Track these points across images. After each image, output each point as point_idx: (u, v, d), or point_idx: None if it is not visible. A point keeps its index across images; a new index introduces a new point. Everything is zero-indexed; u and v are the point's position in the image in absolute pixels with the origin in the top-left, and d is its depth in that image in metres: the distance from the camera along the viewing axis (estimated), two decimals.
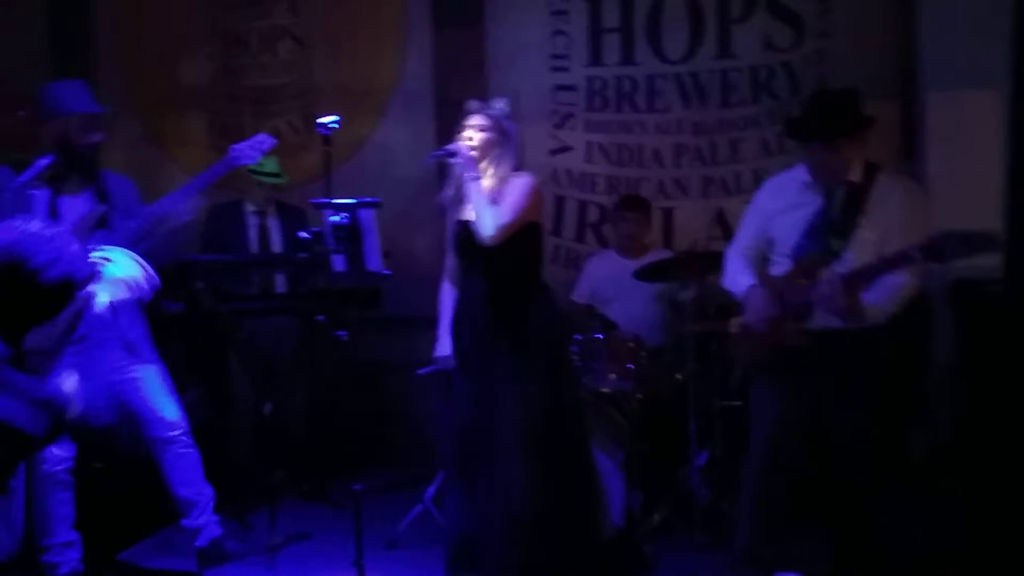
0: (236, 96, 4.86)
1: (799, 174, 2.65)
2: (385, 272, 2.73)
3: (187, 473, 2.98)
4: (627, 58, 4.43)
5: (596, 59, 4.47)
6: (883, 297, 2.45)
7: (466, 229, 2.79)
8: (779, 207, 2.67)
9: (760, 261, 2.81)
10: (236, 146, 2.99)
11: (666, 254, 4.02)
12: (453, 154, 2.77)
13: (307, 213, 4.19)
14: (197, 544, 3.01)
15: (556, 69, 4.51)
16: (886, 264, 2.39)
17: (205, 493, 3.03)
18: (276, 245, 4.13)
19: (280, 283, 4.11)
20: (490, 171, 2.79)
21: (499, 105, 2.87)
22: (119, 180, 3.06)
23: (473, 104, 2.87)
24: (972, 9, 3.75)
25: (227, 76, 4.86)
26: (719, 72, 4.33)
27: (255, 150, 2.97)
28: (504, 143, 2.81)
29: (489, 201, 2.72)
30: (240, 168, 3.29)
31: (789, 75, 4.25)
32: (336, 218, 2.57)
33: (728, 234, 4.25)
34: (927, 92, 3.91)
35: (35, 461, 2.78)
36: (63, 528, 2.87)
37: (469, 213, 2.78)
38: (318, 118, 2.88)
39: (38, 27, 4.87)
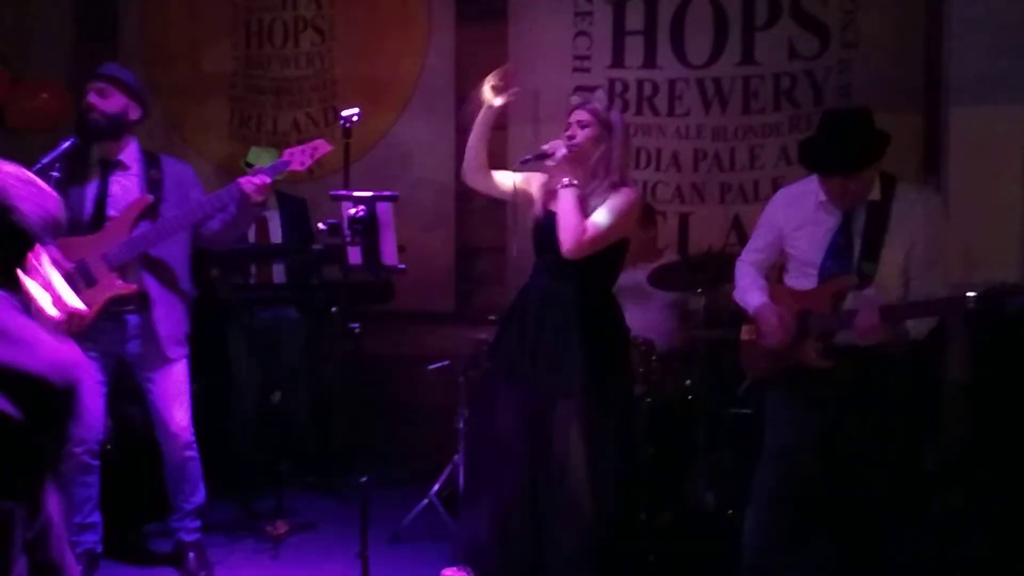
0: (257, 86, 4.88)
1: (814, 189, 2.59)
2: (400, 267, 2.70)
3: (184, 480, 2.99)
4: (649, 61, 4.42)
5: (618, 61, 4.46)
6: (924, 320, 2.45)
7: (551, 223, 2.61)
8: (794, 223, 2.62)
9: (771, 271, 2.79)
10: (290, 150, 2.90)
11: (677, 259, 4.00)
12: (547, 155, 2.59)
13: (308, 203, 4.21)
14: (164, 547, 3.04)
15: (578, 70, 4.50)
16: (934, 307, 2.38)
17: (194, 501, 3.02)
18: (274, 236, 4.12)
19: (278, 273, 4.10)
20: (594, 172, 2.60)
21: (599, 96, 2.69)
22: (175, 165, 3.01)
23: (575, 97, 2.70)
24: (1000, 23, 3.71)
25: (249, 66, 4.89)
26: (741, 78, 4.31)
27: (308, 156, 2.88)
28: (608, 139, 2.60)
29: (581, 211, 2.53)
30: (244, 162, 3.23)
31: (812, 84, 4.23)
32: (353, 210, 2.56)
33: (744, 241, 4.23)
34: (951, 106, 3.87)
35: None
36: (85, 509, 2.91)
37: (557, 207, 2.61)
38: (338, 111, 2.86)
39: (64, 12, 4.91)
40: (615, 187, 2.59)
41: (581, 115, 2.62)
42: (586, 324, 2.59)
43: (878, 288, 2.46)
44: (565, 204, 2.56)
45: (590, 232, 2.53)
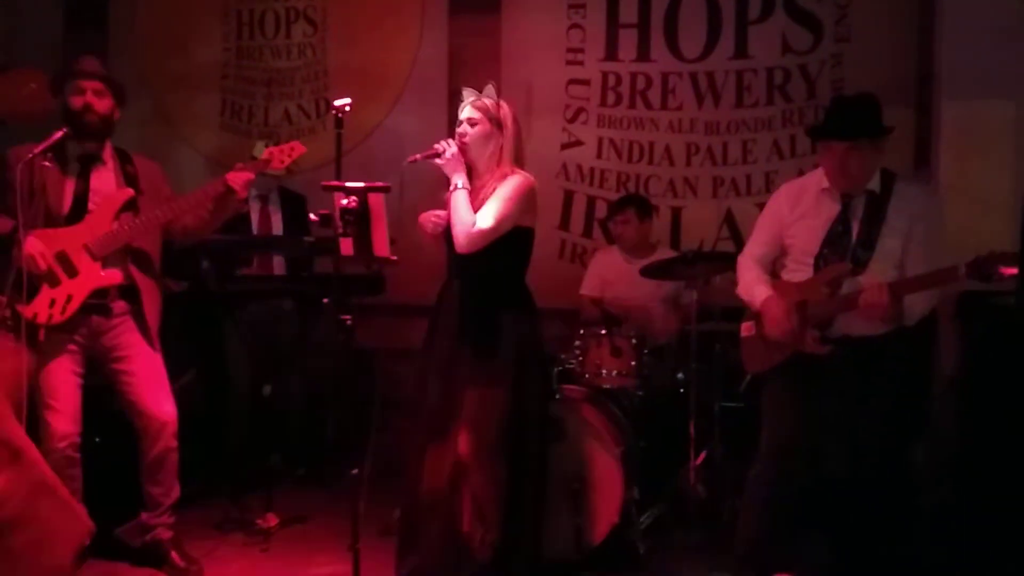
0: (249, 78, 4.86)
1: (816, 180, 2.63)
2: (392, 258, 2.70)
3: (165, 472, 2.95)
4: (643, 54, 4.42)
5: (611, 54, 4.45)
6: (923, 299, 2.48)
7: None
8: (796, 214, 2.65)
9: (773, 266, 2.80)
10: (269, 150, 3.00)
11: (671, 254, 4.00)
12: (438, 154, 2.65)
13: (308, 199, 4.20)
14: (140, 541, 2.99)
15: (571, 63, 4.49)
16: (932, 279, 2.40)
17: (173, 495, 2.99)
18: (277, 230, 4.13)
19: (278, 266, 4.11)
20: (487, 168, 2.65)
21: (489, 92, 2.69)
22: (146, 164, 3.05)
23: (464, 92, 2.72)
24: (992, 18, 3.72)
25: (241, 57, 4.86)
26: (734, 72, 4.31)
27: (286, 155, 2.99)
28: (499, 135, 2.65)
29: (471, 208, 2.59)
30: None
31: (805, 78, 4.24)
32: (345, 201, 2.55)
33: (736, 235, 4.25)
34: (943, 100, 3.89)
35: (41, 437, 2.78)
36: None
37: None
38: (330, 102, 2.87)
39: (54, 2, 4.87)
40: (504, 178, 2.63)
41: (468, 112, 2.68)
42: (481, 319, 2.63)
43: (871, 276, 2.49)
44: (455, 204, 2.63)
45: (479, 227, 2.58)
